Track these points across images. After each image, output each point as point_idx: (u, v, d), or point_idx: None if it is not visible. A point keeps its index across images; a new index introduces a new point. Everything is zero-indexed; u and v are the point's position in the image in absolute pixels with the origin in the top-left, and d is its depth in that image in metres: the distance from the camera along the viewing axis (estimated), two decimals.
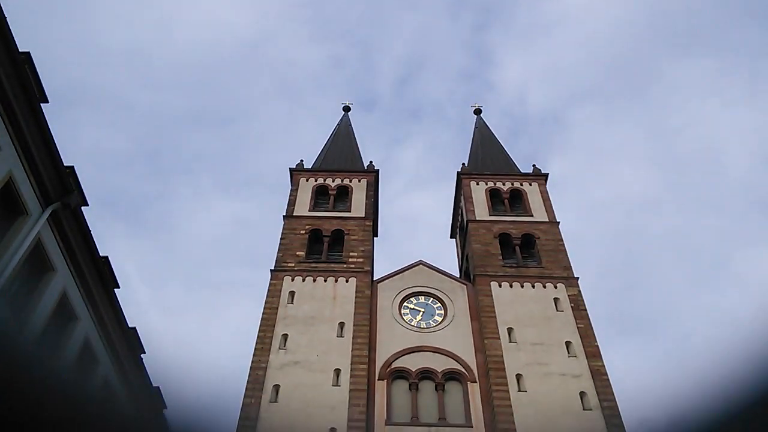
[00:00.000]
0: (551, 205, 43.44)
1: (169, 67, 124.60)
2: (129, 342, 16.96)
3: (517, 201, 44.38)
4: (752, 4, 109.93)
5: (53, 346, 14.05)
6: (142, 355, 17.89)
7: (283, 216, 41.84)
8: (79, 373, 15.40)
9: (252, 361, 32.45)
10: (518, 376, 31.87)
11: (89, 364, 15.48)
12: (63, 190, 13.75)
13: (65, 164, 13.76)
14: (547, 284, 37.36)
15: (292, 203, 43.10)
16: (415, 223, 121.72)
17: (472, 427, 30.36)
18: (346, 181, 45.16)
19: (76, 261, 14.53)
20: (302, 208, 42.76)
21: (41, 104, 13.27)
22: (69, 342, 14.37)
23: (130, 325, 16.96)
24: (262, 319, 34.79)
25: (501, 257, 39.27)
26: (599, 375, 32.02)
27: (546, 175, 46.01)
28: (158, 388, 19.08)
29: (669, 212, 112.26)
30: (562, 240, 40.54)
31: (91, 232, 14.84)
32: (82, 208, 14.61)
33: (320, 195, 44.20)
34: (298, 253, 39.13)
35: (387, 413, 30.95)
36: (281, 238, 40.21)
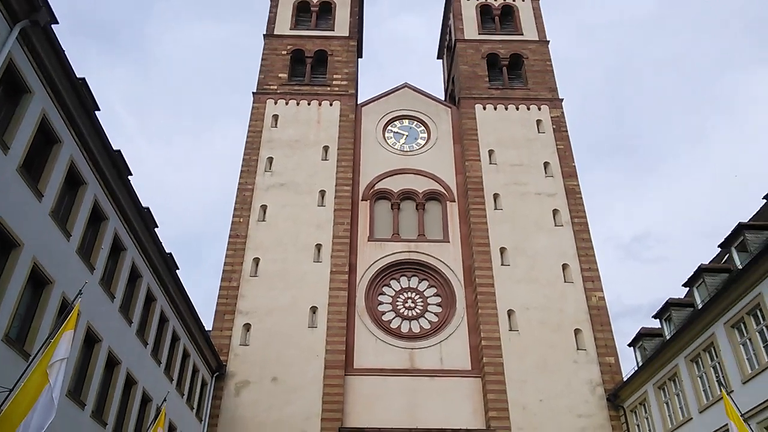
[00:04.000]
0: (543, 23, 41.94)
1: None
2: (115, 164, 17.23)
3: (508, 19, 42.71)
4: None
5: (38, 168, 14.31)
6: (129, 177, 18.33)
7: (264, 35, 40.12)
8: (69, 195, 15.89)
9: (239, 183, 33.38)
10: (495, 196, 33.31)
11: (77, 185, 15.88)
12: (30, 7, 13.07)
13: None
14: (531, 106, 37.48)
15: (272, 21, 41.11)
16: (401, 46, 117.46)
17: (449, 242, 32.40)
18: None
19: (52, 82, 14.21)
20: (283, 26, 40.90)
21: None
22: (54, 165, 14.60)
23: (114, 148, 17.13)
24: (246, 142, 35.07)
25: (487, 79, 38.81)
26: (573, 194, 33.54)
27: None
28: (148, 208, 19.83)
29: (663, 34, 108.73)
30: (550, 60, 39.85)
31: (65, 52, 14.38)
32: (53, 26, 14.00)
33: (302, 12, 42.03)
34: (280, 75, 38.26)
35: (369, 230, 32.75)
36: (262, 60, 39.01)
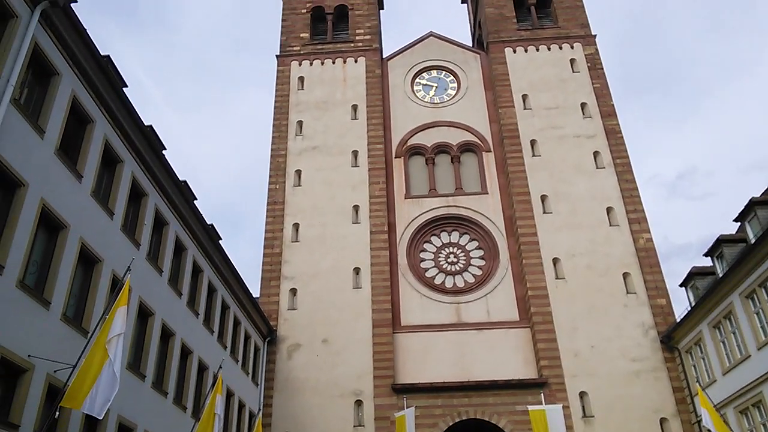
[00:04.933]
0: None
1: None
2: (148, 140, 17.23)
3: None
4: None
5: (74, 150, 14.36)
6: (163, 152, 18.36)
7: None
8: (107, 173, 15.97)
9: (271, 149, 33.26)
10: (532, 142, 32.43)
11: (114, 164, 15.96)
12: None
13: None
14: (563, 45, 36.05)
15: None
16: None
17: (487, 193, 31.84)
18: None
19: (78, 63, 14.13)
20: None
21: None
22: (90, 145, 14.64)
23: (146, 124, 17.09)
24: (275, 106, 34.76)
25: (515, 20, 37.34)
26: (614, 134, 32.43)
27: None
28: (185, 181, 19.89)
29: None
30: None
31: (87, 31, 14.23)
32: (72, 5, 13.84)
33: None
34: (302, 35, 37.56)
35: (406, 188, 32.37)
36: (282, 20, 38.29)
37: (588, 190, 30.59)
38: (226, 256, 22.83)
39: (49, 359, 12.16)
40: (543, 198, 30.54)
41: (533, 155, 31.97)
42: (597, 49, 35.70)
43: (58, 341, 12.84)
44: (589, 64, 35.03)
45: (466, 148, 33.57)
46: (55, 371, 12.31)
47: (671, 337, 26.25)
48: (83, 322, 14.00)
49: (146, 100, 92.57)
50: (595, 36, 36.24)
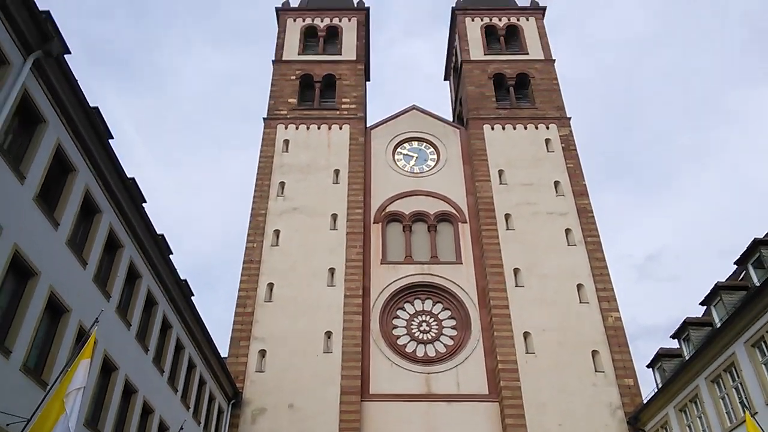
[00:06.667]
0: (548, 42, 42.17)
1: None
2: (129, 192, 17.31)
3: (513, 38, 43.01)
4: None
5: (54, 197, 14.37)
6: (144, 204, 18.40)
7: (272, 61, 40.58)
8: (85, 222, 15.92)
9: (252, 208, 33.46)
10: (507, 216, 33.16)
11: (93, 214, 15.96)
12: (42, 38, 13.22)
13: (40, 9, 13.13)
14: (539, 125, 37.51)
15: (280, 47, 41.61)
16: (408, 68, 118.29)
17: (462, 263, 32.21)
18: (336, 21, 43.21)
19: (66, 112, 14.35)
20: (291, 52, 41.37)
21: None
22: (70, 193, 14.68)
23: (129, 176, 17.23)
24: (258, 167, 35.23)
25: (495, 99, 38.94)
26: (585, 213, 33.34)
27: (543, 9, 44.12)
28: (162, 235, 19.85)
29: (666, 49, 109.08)
30: (556, 79, 39.97)
31: (77, 81, 14.54)
32: (66, 56, 14.17)
33: (309, 37, 42.53)
34: (289, 100, 38.58)
35: (382, 253, 32.63)
36: (272, 85, 39.39)
37: (559, 266, 31.10)
38: (197, 313, 22.51)
39: (3, 411, 11.73)
40: (516, 271, 30.94)
41: (507, 229, 32.61)
42: (571, 131, 37.18)
43: (15, 392, 12.41)
44: (563, 145, 36.37)
45: (443, 218, 34.16)
46: (8, 424, 11.86)
47: (638, 419, 26.17)
48: (44, 374, 13.59)
49: (132, 154, 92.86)
50: (569, 118, 37.81)
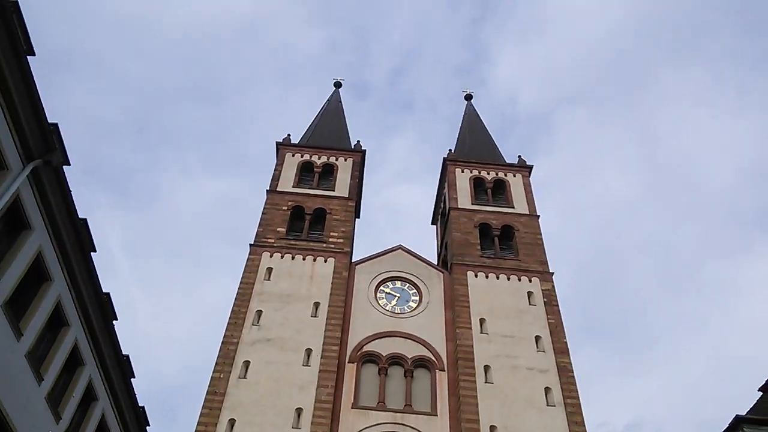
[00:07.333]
0: (533, 198, 43.77)
1: (165, 39, 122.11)
2: (102, 308, 16.75)
3: (500, 191, 44.66)
4: (746, 16, 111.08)
5: (23, 306, 13.80)
6: (114, 322, 17.71)
7: (267, 190, 41.47)
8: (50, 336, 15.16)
9: (224, 336, 32.25)
10: (486, 368, 32.20)
11: (59, 327, 15.26)
12: (45, 148, 13.43)
13: (49, 122, 13.45)
14: (522, 277, 37.72)
15: (276, 178, 42.73)
16: (398, 210, 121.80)
17: (436, 415, 30.64)
18: (332, 159, 44.86)
19: (54, 221, 14.24)
20: (286, 183, 42.43)
21: (27, 56, 12.89)
22: (40, 304, 14.13)
23: (104, 291, 16.76)
24: (237, 293, 34.55)
25: (479, 247, 39.54)
26: (565, 372, 32.50)
27: (530, 167, 46.32)
28: (127, 356, 18.91)
29: (648, 217, 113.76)
30: (540, 234, 40.91)
31: (71, 193, 14.58)
32: (64, 168, 14.32)
33: (305, 172, 43.88)
34: (278, 229, 38.89)
35: (354, 396, 31.07)
36: (263, 213, 39.88)
37: (538, 427, 29.70)
38: None
39: None
40: (492, 429, 29.45)
41: (486, 381, 31.54)
42: (554, 286, 37.38)
43: None
44: (545, 299, 36.36)
45: (420, 363, 33.11)
46: None
47: None
48: None
49: (112, 268, 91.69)
50: (552, 273, 38.19)
